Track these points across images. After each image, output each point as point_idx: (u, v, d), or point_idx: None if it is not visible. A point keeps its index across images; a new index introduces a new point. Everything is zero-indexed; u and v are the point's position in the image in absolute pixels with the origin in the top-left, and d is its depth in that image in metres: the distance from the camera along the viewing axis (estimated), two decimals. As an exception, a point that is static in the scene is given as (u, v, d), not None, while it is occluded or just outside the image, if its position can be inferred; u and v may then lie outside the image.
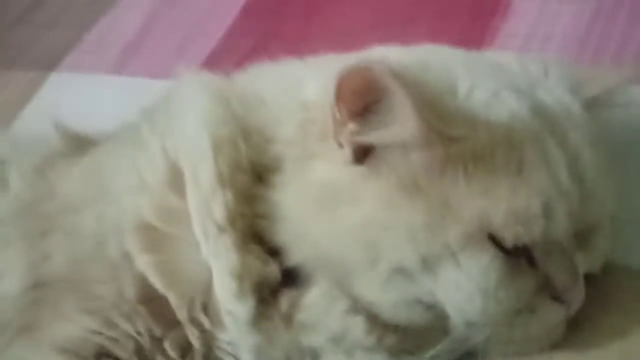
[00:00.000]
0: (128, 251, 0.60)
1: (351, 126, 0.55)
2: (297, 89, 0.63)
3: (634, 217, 0.65)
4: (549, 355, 0.59)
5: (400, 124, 0.53)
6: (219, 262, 0.58)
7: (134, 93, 1.06)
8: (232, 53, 1.10)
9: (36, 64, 1.19)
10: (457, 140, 0.54)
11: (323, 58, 0.68)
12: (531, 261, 0.56)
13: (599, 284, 0.61)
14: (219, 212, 0.58)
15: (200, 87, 0.65)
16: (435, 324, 0.57)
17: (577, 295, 0.58)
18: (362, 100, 0.54)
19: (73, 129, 0.75)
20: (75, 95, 1.12)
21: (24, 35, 1.26)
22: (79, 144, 0.72)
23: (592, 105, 0.61)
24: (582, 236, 0.58)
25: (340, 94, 0.54)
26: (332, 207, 0.56)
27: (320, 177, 0.57)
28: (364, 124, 0.55)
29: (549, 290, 0.57)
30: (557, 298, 0.57)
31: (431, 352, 0.57)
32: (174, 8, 1.23)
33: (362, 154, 0.56)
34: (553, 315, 0.57)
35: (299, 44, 1.02)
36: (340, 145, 0.56)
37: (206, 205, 0.59)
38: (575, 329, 0.59)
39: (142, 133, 0.66)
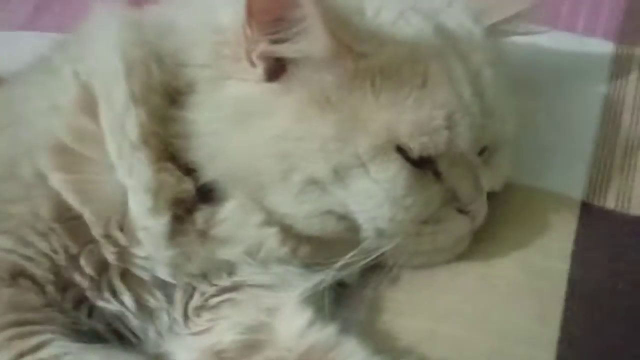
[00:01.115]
0: (41, 170, 0.59)
1: (261, 44, 0.56)
2: (211, 15, 0.63)
3: (526, 138, 0.68)
4: (454, 265, 0.62)
5: (312, 38, 0.54)
6: (133, 180, 0.58)
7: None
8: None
9: None
10: (365, 56, 0.55)
11: None
12: (437, 174, 0.58)
13: (499, 201, 0.64)
14: (133, 130, 0.58)
15: (111, 15, 0.65)
16: (347, 235, 0.59)
17: (481, 209, 0.61)
18: (274, 14, 0.54)
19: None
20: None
21: None
22: None
23: (492, 31, 0.64)
24: (485, 155, 0.61)
25: (251, 11, 0.54)
26: (245, 123, 0.57)
27: (234, 94, 0.58)
28: (274, 41, 0.56)
29: (455, 203, 0.59)
30: (462, 210, 0.60)
31: (341, 262, 0.58)
32: None
33: (274, 71, 0.57)
34: (459, 226, 0.60)
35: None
36: (253, 64, 0.57)
37: (120, 124, 0.58)
38: (479, 242, 0.63)
39: (53, 62, 0.65)
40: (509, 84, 0.63)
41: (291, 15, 0.54)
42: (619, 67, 0.81)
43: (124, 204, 0.59)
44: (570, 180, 0.69)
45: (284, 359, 0.57)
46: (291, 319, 0.59)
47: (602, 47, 0.84)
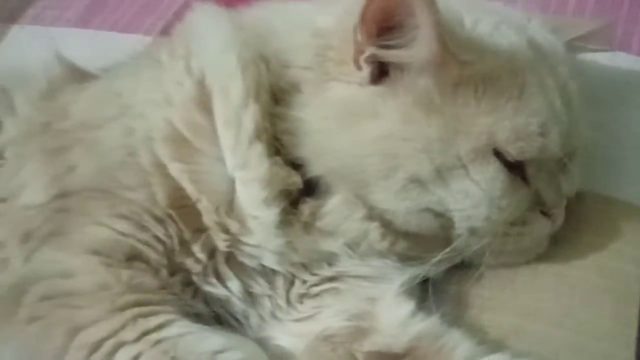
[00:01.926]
0: (160, 160, 0.61)
1: (371, 48, 0.59)
2: (307, 19, 0.66)
3: (600, 148, 0.72)
4: (534, 266, 0.65)
5: (422, 44, 0.57)
6: (247, 172, 0.61)
7: (99, 46, 1.08)
8: None
9: None
10: (468, 64, 0.59)
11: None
12: (524, 179, 0.62)
13: (573, 207, 0.68)
14: (250, 124, 0.61)
15: (217, 15, 0.68)
16: (441, 232, 0.63)
17: (561, 212, 0.65)
18: (386, 22, 0.58)
19: (71, 61, 0.76)
20: (41, 47, 1.07)
21: None
22: (79, 74, 0.74)
23: (567, 47, 0.68)
24: (562, 162, 0.64)
25: (364, 18, 0.57)
26: (352, 123, 0.61)
27: (340, 96, 0.61)
28: (383, 46, 0.59)
29: (538, 206, 0.63)
30: (545, 213, 0.64)
31: (437, 258, 0.62)
32: None
33: (379, 75, 0.60)
34: (541, 228, 0.64)
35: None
36: (359, 67, 0.60)
37: (237, 119, 0.61)
38: (556, 245, 0.67)
39: (160, 59, 0.68)
40: (584, 97, 0.67)
41: (403, 23, 0.58)
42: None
43: (230, 194, 0.62)
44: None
45: (391, 345, 0.60)
46: (393, 309, 0.62)
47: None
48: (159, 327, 0.57)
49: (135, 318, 0.57)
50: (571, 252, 0.67)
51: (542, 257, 0.66)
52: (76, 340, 0.56)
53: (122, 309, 0.58)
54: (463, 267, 0.65)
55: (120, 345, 0.56)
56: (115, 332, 0.57)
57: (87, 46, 1.07)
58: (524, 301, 0.64)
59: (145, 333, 0.57)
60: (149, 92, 0.65)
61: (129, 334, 0.56)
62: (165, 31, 1.08)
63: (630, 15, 0.99)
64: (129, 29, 1.12)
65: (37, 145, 0.66)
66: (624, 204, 0.72)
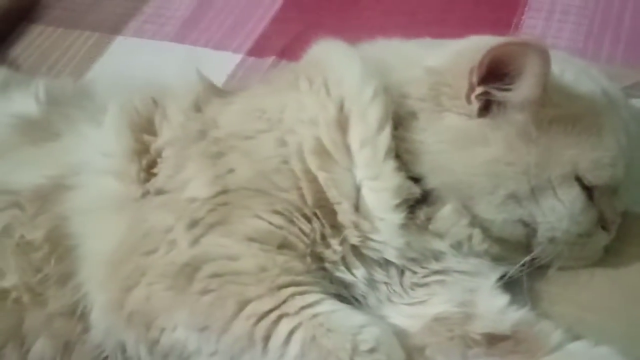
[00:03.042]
0: (309, 168, 0.67)
1: (481, 88, 0.66)
2: (417, 58, 0.73)
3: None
4: (592, 269, 0.73)
5: (527, 88, 0.65)
6: (379, 182, 0.67)
7: (192, 61, 1.05)
8: (279, 35, 1.15)
9: (100, 27, 1.21)
10: (559, 106, 0.66)
11: (417, 40, 0.79)
12: (592, 200, 0.69)
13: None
14: (384, 144, 0.67)
15: (347, 50, 0.74)
16: (524, 240, 0.69)
17: (615, 227, 0.72)
18: (500, 69, 0.65)
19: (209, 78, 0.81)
20: (140, 58, 1.15)
21: (76, 3, 1.28)
22: (217, 90, 0.79)
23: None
24: (616, 188, 0.72)
25: (481, 63, 0.64)
26: (464, 147, 0.67)
27: (453, 124, 0.68)
28: (494, 87, 0.66)
29: (601, 222, 0.70)
30: (604, 228, 0.71)
31: (526, 259, 0.69)
32: None
33: (484, 110, 0.67)
34: (601, 240, 0.71)
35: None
36: (469, 102, 0.67)
37: (373, 139, 0.67)
38: (608, 253, 0.74)
39: (299, 84, 0.73)
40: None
41: (513, 71, 0.65)
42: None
43: (356, 198, 0.67)
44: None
45: (493, 329, 0.65)
46: (492, 299, 0.68)
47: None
48: (314, 303, 0.62)
49: (292, 295, 0.62)
50: (620, 260, 0.74)
51: (598, 262, 0.73)
52: (245, 310, 0.62)
53: (280, 287, 0.63)
54: (536, 268, 0.71)
55: (283, 316, 0.61)
56: (277, 306, 0.61)
57: (182, 60, 1.06)
58: (584, 297, 0.70)
59: (303, 308, 0.62)
60: (297, 112, 0.70)
61: (289, 308, 0.61)
62: (252, 51, 1.13)
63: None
64: (220, 46, 1.14)
65: (196, 149, 0.70)
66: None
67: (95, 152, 0.74)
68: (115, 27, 1.20)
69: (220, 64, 1.10)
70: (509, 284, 0.70)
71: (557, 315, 0.69)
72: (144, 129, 0.75)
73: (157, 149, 0.73)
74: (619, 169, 0.68)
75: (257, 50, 1.13)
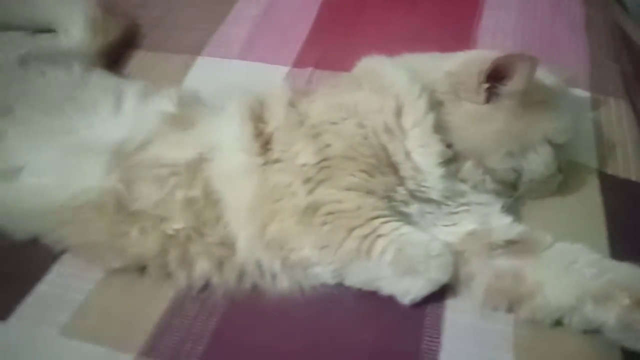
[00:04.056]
0: (382, 142, 0.71)
1: (486, 85, 0.72)
2: (437, 65, 0.77)
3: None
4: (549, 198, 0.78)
5: (517, 84, 0.70)
6: (428, 149, 0.71)
7: (254, 73, 1.08)
8: (313, 51, 1.11)
9: (184, 50, 1.16)
10: (535, 94, 0.72)
11: (437, 54, 0.82)
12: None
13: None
14: (430, 123, 0.72)
15: (390, 61, 0.78)
16: (515, 181, 0.75)
17: (564, 170, 0.78)
18: (499, 72, 0.71)
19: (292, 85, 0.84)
20: (216, 73, 1.13)
21: (165, 32, 1.24)
22: (301, 92, 0.81)
23: None
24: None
25: (487, 69, 0.70)
26: (477, 123, 0.73)
27: (468, 109, 0.73)
28: (492, 84, 0.72)
29: (558, 168, 0.77)
30: (560, 171, 0.77)
31: (516, 195, 0.75)
32: (270, 17, 1.22)
33: (488, 98, 0.73)
34: (558, 178, 0.78)
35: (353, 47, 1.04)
36: (479, 94, 0.72)
37: (423, 120, 0.71)
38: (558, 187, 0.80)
39: (362, 87, 0.76)
40: None
41: (508, 74, 0.71)
42: None
43: (410, 160, 0.72)
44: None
45: (507, 236, 0.69)
46: (501, 219, 0.72)
47: None
48: (397, 227, 0.67)
49: (382, 223, 0.67)
50: (565, 189, 0.79)
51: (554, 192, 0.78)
52: (353, 234, 0.66)
53: (372, 218, 0.67)
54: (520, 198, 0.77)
55: (379, 237, 0.66)
56: (374, 230, 0.66)
57: (246, 73, 1.08)
58: (545, 215, 0.76)
59: (392, 230, 0.66)
60: (366, 105, 0.73)
61: (382, 231, 0.66)
62: (296, 63, 1.09)
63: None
64: (271, 61, 1.10)
65: (299, 132, 0.73)
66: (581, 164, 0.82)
67: (226, 135, 0.76)
68: (195, 50, 1.14)
69: (274, 75, 1.07)
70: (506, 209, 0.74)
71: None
72: (258, 120, 0.76)
73: (269, 132, 0.75)
74: (570, 132, 0.75)
75: (299, 62, 1.09)
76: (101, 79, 0.94)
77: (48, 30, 1.13)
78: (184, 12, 1.25)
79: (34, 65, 0.92)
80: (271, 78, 1.05)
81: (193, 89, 0.94)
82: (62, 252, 0.80)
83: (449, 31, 1.08)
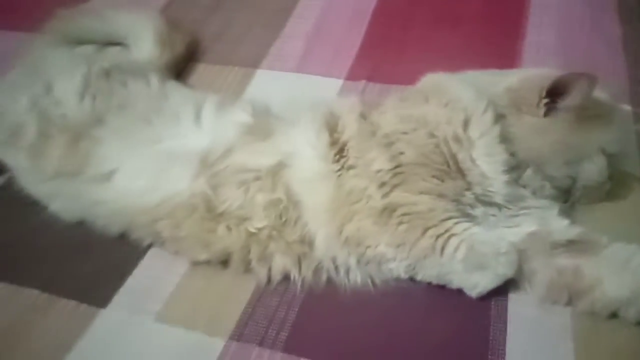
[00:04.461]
0: (452, 150, 0.75)
1: (546, 99, 0.77)
2: (495, 81, 0.82)
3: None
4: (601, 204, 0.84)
5: (575, 99, 0.75)
6: (494, 157, 0.75)
7: (308, 85, 1.13)
8: (364, 65, 1.15)
9: (244, 63, 1.20)
10: (591, 109, 0.78)
11: (495, 71, 0.87)
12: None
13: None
14: (496, 133, 0.76)
15: (454, 78, 0.83)
16: (570, 187, 0.80)
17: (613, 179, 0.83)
18: (558, 89, 0.75)
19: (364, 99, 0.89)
20: (275, 85, 1.15)
21: (225, 46, 1.28)
22: (370, 105, 0.85)
23: None
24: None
25: (547, 85, 0.76)
26: (537, 135, 0.77)
27: (530, 122, 0.78)
28: (552, 99, 0.76)
29: (609, 175, 0.81)
30: (610, 179, 0.82)
31: (571, 199, 0.80)
32: (321, 32, 1.26)
33: (547, 112, 0.77)
34: (607, 185, 0.81)
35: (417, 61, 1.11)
36: (539, 108, 0.77)
37: (489, 131, 0.76)
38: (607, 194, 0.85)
39: (429, 101, 0.80)
40: None
41: (565, 90, 0.76)
42: None
43: (475, 168, 0.76)
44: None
45: (567, 236, 0.73)
46: (560, 221, 0.76)
47: None
48: (468, 227, 0.72)
49: (455, 224, 0.71)
50: (615, 196, 0.83)
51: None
52: (427, 233, 0.71)
53: (444, 220, 0.72)
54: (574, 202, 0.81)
55: (452, 235, 0.70)
56: (447, 230, 0.71)
57: (303, 85, 1.12)
58: (599, 217, 0.80)
59: (464, 230, 0.71)
60: (435, 117, 0.78)
61: (455, 230, 0.71)
62: (349, 76, 1.12)
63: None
64: (326, 74, 1.14)
65: (373, 142, 0.78)
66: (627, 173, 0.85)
67: (304, 144, 0.81)
68: (254, 63, 1.19)
69: (329, 87, 1.11)
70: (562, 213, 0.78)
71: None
72: (332, 130, 0.81)
73: (343, 141, 0.80)
74: (621, 143, 0.81)
75: (352, 75, 1.13)
76: (177, 91, 1.00)
77: (116, 43, 1.22)
78: (241, 27, 1.30)
79: (117, 78, 0.99)
80: (326, 90, 1.09)
81: (261, 100, 0.99)
82: (148, 247, 0.88)
83: (492, 48, 1.12)
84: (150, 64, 1.11)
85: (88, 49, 1.20)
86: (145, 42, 1.15)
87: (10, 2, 1.48)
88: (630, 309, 0.68)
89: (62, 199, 0.88)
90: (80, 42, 1.20)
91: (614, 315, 0.69)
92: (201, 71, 1.20)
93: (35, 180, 0.90)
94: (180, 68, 1.19)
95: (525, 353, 0.68)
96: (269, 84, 1.14)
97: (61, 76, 0.98)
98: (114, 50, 1.21)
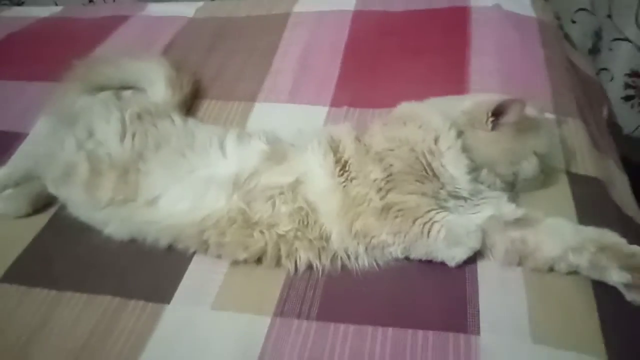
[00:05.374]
0: (429, 161, 0.91)
1: (492, 117, 0.94)
2: (455, 105, 0.98)
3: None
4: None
5: (511, 117, 0.93)
6: (458, 163, 0.91)
7: (300, 112, 1.29)
8: (345, 92, 1.32)
9: (243, 97, 1.35)
10: (524, 122, 0.95)
11: (452, 97, 1.08)
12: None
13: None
14: (458, 146, 0.92)
15: (422, 105, 1.01)
16: (514, 181, 0.97)
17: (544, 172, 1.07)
18: (500, 111, 0.93)
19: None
20: (272, 115, 1.30)
21: (224, 83, 1.47)
22: (358, 131, 1.01)
23: None
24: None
25: (492, 109, 0.93)
26: (488, 144, 0.94)
27: (481, 136, 0.95)
28: (496, 117, 0.94)
29: (541, 170, 0.99)
30: (542, 172, 1.00)
31: (515, 189, 0.97)
32: (304, 67, 1.42)
33: (494, 128, 0.94)
34: (541, 178, 0.98)
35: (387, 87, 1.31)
36: (487, 124, 0.94)
37: (453, 144, 0.92)
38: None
39: (407, 124, 0.96)
40: None
41: (506, 111, 0.95)
42: None
43: (446, 172, 0.93)
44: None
45: (513, 217, 0.89)
46: (509, 205, 0.92)
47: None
48: (446, 215, 0.88)
49: (435, 214, 0.87)
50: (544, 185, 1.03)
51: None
52: (416, 222, 0.87)
53: (429, 211, 0.88)
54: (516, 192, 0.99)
55: (434, 222, 0.87)
56: (431, 219, 0.87)
57: (295, 113, 1.27)
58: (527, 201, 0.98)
59: (443, 217, 0.87)
60: (414, 136, 0.94)
61: (436, 218, 0.87)
62: (333, 103, 1.28)
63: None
64: (314, 102, 1.30)
65: (368, 158, 0.93)
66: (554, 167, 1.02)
67: (314, 165, 0.97)
68: (251, 97, 1.34)
69: (318, 113, 1.26)
70: (510, 199, 0.95)
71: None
72: (335, 151, 0.97)
73: (345, 160, 0.95)
74: (549, 146, 1.00)
75: (336, 102, 1.29)
76: (199, 127, 1.19)
77: (128, 88, 1.41)
78: (235, 66, 1.47)
79: (148, 119, 1.18)
80: (315, 116, 1.25)
81: (266, 129, 1.10)
82: (192, 255, 1.06)
83: (446, 75, 1.32)
84: (165, 104, 1.30)
85: (107, 94, 1.38)
86: (158, 85, 1.33)
87: (28, 54, 1.65)
88: (561, 264, 0.87)
89: (115, 223, 1.02)
90: (99, 88, 1.38)
91: (551, 269, 0.88)
92: (206, 106, 1.34)
93: (90, 209, 1.04)
94: (189, 105, 1.32)
95: (492, 303, 0.85)
96: (267, 114, 1.28)
97: (99, 121, 1.17)
98: (127, 94, 1.39)
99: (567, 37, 1.64)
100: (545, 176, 0.99)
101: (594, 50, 1.80)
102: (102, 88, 1.31)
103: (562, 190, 1.01)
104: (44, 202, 1.11)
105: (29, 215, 1.10)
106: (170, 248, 1.00)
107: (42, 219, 1.09)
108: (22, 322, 0.91)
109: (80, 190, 1.03)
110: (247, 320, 0.89)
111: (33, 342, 0.87)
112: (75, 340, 0.87)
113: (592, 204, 0.97)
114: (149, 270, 0.98)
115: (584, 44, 1.79)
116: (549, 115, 1.13)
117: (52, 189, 1.08)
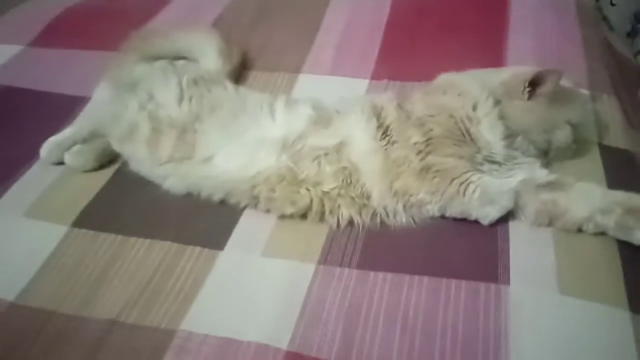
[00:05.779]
0: (467, 126, 0.97)
1: (529, 88, 1.00)
2: (494, 77, 1.04)
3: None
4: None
5: (548, 87, 0.98)
6: (495, 129, 0.97)
7: (342, 84, 1.34)
8: (385, 65, 1.37)
9: (288, 68, 1.40)
10: (559, 92, 1.01)
11: (491, 69, 1.12)
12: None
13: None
14: (496, 113, 0.98)
15: (463, 75, 1.05)
16: (547, 149, 1.03)
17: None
18: (537, 81, 0.99)
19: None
20: (316, 85, 1.34)
21: (269, 55, 1.53)
22: (402, 98, 1.09)
23: None
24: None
25: (529, 78, 0.99)
26: (524, 113, 0.99)
27: (518, 104, 1.00)
28: (533, 88, 1.00)
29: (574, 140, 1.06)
30: (575, 142, 1.07)
31: (548, 157, 1.03)
32: (346, 42, 1.47)
33: (530, 97, 1.00)
34: (573, 146, 1.04)
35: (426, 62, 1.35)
36: (524, 94, 0.99)
37: (492, 111, 0.98)
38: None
39: (446, 92, 1.02)
40: None
41: (542, 81, 1.01)
42: None
43: (482, 137, 0.99)
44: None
45: (545, 180, 0.94)
46: (541, 171, 0.97)
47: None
48: (481, 176, 0.93)
49: (471, 175, 0.94)
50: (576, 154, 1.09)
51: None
52: (453, 182, 0.94)
53: (465, 172, 0.93)
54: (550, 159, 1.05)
55: (469, 182, 0.93)
56: (467, 179, 0.93)
57: (337, 85, 1.32)
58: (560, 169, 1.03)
59: (478, 178, 0.93)
60: (453, 103, 0.99)
61: (472, 179, 0.93)
62: (374, 76, 1.32)
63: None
64: (355, 75, 1.34)
65: (409, 123, 0.99)
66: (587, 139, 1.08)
67: (357, 129, 1.02)
68: (296, 69, 1.39)
69: (359, 86, 1.31)
70: (543, 166, 0.99)
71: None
72: (378, 117, 1.02)
73: (387, 125, 1.01)
74: (582, 116, 1.06)
75: (376, 76, 1.33)
76: (250, 94, 1.27)
77: (182, 58, 1.49)
78: (279, 40, 1.50)
79: (203, 85, 1.27)
80: (356, 88, 1.29)
81: (313, 97, 1.15)
82: (243, 209, 1.13)
83: (483, 52, 1.35)
84: (217, 73, 1.37)
85: (162, 62, 1.47)
86: (210, 55, 1.40)
87: (86, 27, 1.74)
88: (589, 224, 0.92)
89: (173, 178, 1.09)
90: (154, 58, 1.46)
91: (579, 230, 0.93)
92: (253, 77, 1.39)
93: (151, 165, 1.11)
94: (237, 75, 1.38)
95: (522, 260, 0.90)
96: (311, 85, 1.32)
97: (158, 86, 1.25)
98: (181, 63, 1.46)
99: (605, 19, 1.64)
100: (577, 146, 1.04)
101: (633, 33, 1.72)
102: (156, 58, 1.36)
103: (593, 160, 1.05)
104: (108, 158, 1.19)
105: (94, 169, 1.18)
106: (222, 202, 1.07)
107: (107, 174, 1.18)
108: (93, 260, 1.00)
109: (142, 147, 1.11)
110: (293, 266, 0.95)
111: (103, 277, 0.96)
112: (141, 277, 0.96)
113: (622, 173, 1.01)
114: (204, 221, 1.05)
115: (623, 26, 1.72)
116: (584, 91, 1.16)
117: (116, 146, 1.16)
